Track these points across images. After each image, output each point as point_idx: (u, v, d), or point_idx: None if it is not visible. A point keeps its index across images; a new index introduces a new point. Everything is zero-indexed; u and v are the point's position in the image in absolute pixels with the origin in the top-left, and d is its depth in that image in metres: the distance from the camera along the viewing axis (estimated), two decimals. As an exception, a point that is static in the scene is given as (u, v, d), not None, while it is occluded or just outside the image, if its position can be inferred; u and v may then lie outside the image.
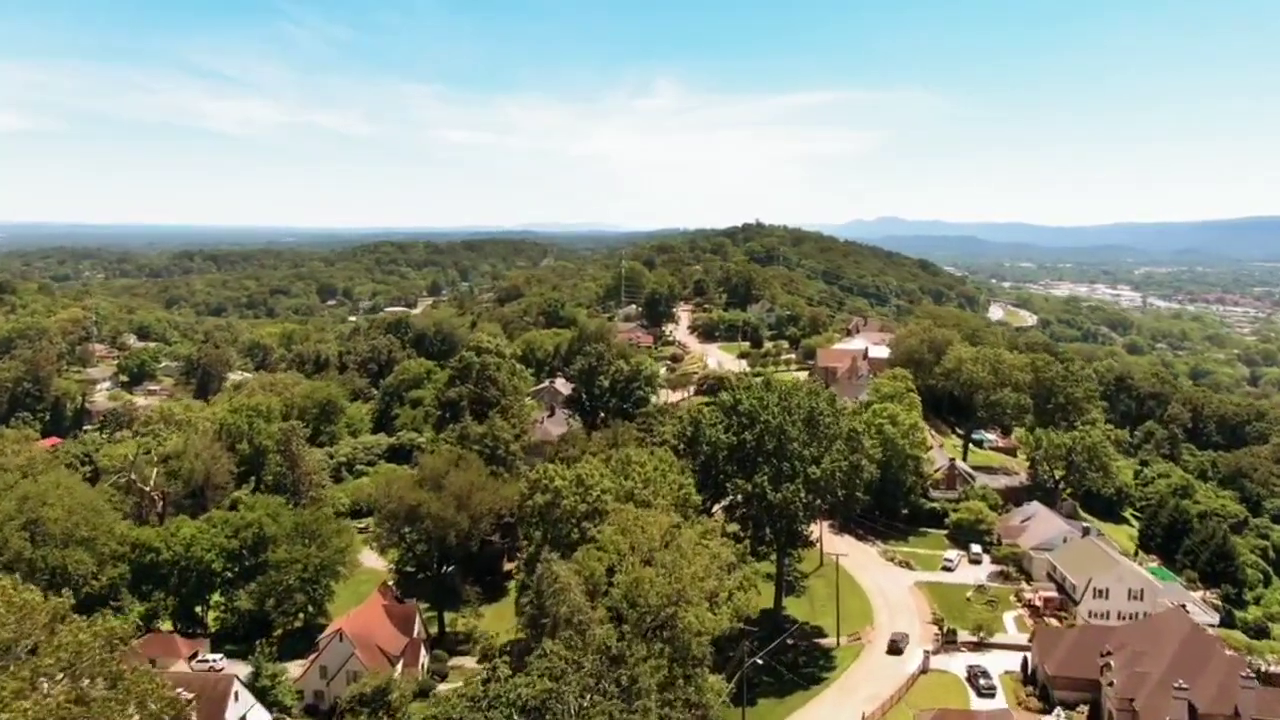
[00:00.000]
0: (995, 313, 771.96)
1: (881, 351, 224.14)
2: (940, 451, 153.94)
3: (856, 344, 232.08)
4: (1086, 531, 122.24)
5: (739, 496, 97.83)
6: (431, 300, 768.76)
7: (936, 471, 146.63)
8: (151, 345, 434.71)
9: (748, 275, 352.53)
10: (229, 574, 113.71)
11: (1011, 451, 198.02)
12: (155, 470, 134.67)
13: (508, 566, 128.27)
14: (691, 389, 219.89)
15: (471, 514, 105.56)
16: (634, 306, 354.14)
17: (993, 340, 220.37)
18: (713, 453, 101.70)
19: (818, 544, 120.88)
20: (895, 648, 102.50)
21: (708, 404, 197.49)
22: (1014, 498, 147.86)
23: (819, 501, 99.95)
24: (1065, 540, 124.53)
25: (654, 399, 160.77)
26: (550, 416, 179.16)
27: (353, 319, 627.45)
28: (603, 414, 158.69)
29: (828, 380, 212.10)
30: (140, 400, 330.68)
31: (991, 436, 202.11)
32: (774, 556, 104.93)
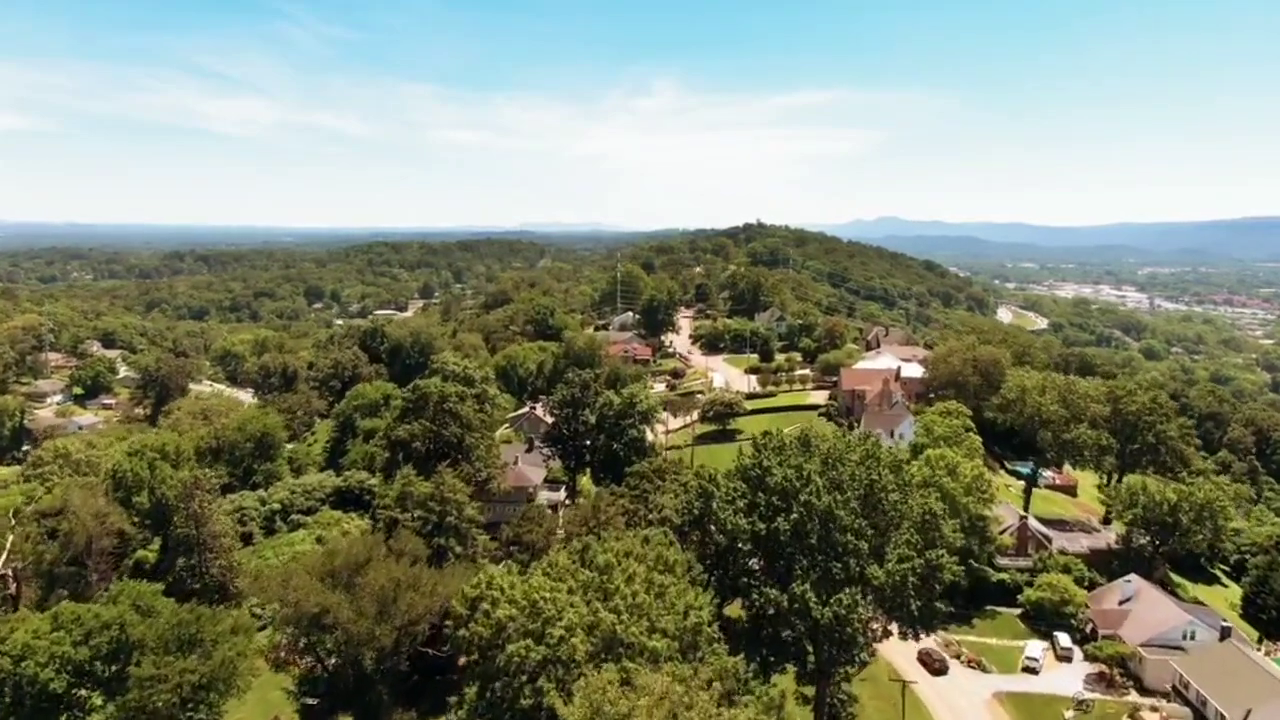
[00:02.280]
0: (1004, 315, 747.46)
1: (914, 370, 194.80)
2: (1009, 508, 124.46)
3: (883, 361, 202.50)
4: (1226, 633, 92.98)
5: (770, 610, 68.64)
6: (423, 303, 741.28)
7: (1004, 532, 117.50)
8: (112, 354, 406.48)
9: (755, 280, 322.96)
10: (80, 693, 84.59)
11: (1070, 490, 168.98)
12: (12, 536, 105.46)
13: (464, 660, 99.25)
14: (695, 414, 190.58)
15: (397, 624, 76.44)
16: (630, 314, 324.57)
17: (1043, 359, 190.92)
18: (729, 544, 72.53)
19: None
20: (936, 667, 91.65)
21: (714, 435, 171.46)
22: (1100, 564, 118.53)
23: (883, 614, 70.84)
24: (1188, 635, 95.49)
25: (651, 436, 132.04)
26: (528, 452, 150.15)
27: (339, 323, 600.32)
28: (588, 455, 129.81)
29: (853, 406, 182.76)
30: (88, 417, 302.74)
31: (1045, 472, 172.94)
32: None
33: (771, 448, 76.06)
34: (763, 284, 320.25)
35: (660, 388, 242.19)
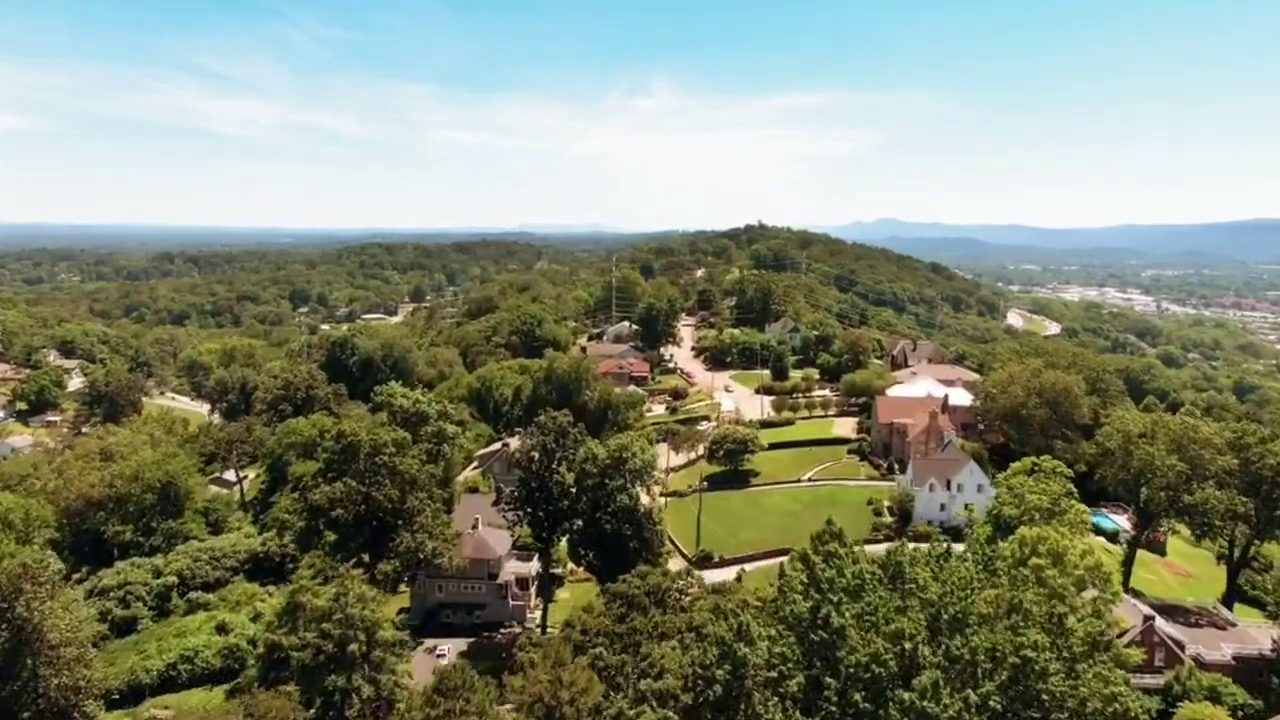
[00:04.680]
0: (1013, 319, 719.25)
1: (960, 396, 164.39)
2: (1132, 605, 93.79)
3: (922, 385, 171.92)
4: None
5: None
6: (413, 307, 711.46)
7: (1122, 637, 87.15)
8: (70, 364, 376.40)
9: (766, 286, 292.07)
10: None
11: (1159, 547, 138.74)
12: None
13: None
14: (702, 449, 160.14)
15: None
16: (626, 324, 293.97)
17: (1118, 386, 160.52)
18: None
19: None
20: None
21: (724, 477, 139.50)
22: (1249, 678, 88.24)
23: None
24: None
25: (646, 499, 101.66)
26: (495, 504, 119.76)
27: (325, 328, 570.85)
28: (564, 522, 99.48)
29: (892, 443, 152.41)
30: (25, 438, 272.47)
31: (1118, 520, 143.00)
32: None
33: (844, 589, 45.64)
34: (773, 291, 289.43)
35: (659, 410, 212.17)
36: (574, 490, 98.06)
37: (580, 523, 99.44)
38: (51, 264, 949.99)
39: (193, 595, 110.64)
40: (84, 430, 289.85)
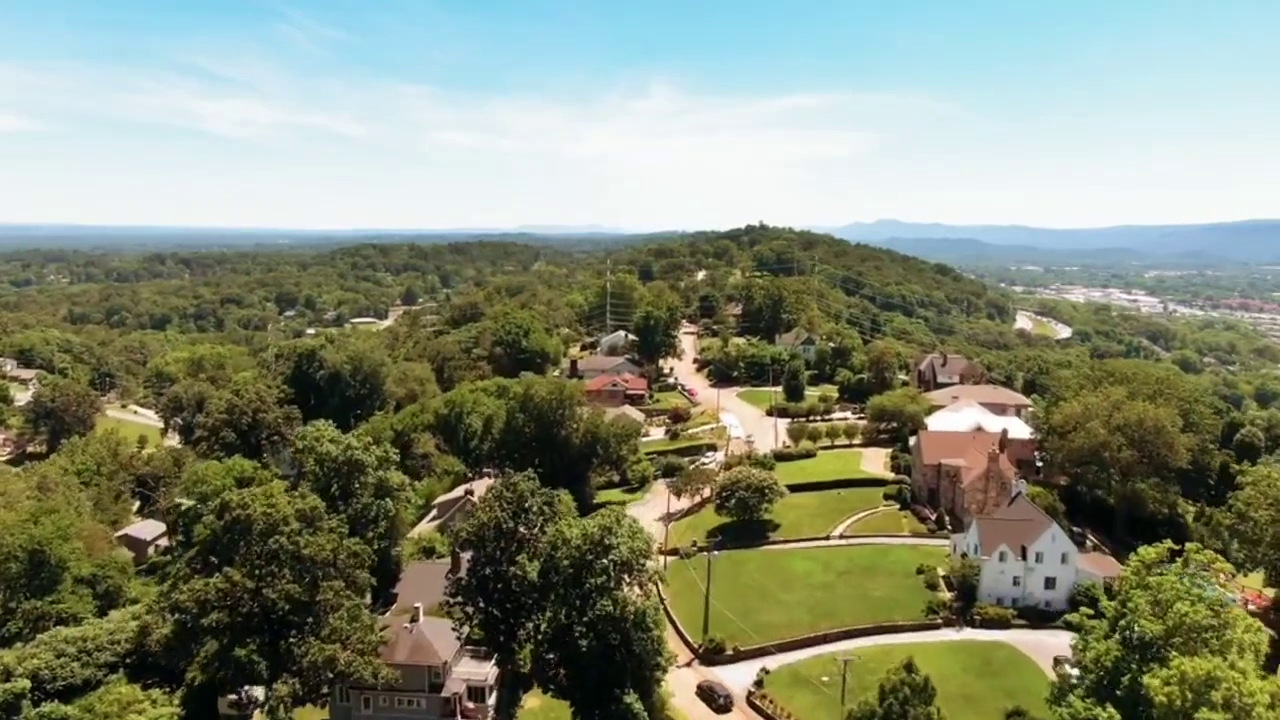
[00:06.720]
0: (1022, 322, 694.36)
1: (1017, 427, 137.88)
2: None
3: (968, 413, 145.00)
4: None
5: None
6: (403, 310, 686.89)
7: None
8: (28, 374, 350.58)
9: (776, 292, 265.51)
10: None
11: (1274, 620, 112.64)
12: None
13: None
14: (709, 492, 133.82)
15: None
16: (622, 332, 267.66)
17: (1211, 419, 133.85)
18: None
19: None
20: None
21: (736, 529, 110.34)
22: None
23: None
24: None
25: (638, 596, 74.97)
26: (449, 569, 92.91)
27: (310, 332, 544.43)
28: (527, 623, 72.92)
29: (939, 490, 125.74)
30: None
31: (1228, 590, 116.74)
32: None
33: None
34: (784, 297, 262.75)
35: (658, 434, 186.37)
36: (540, 585, 71.87)
37: (545, 625, 73.15)
38: (41, 265, 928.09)
39: (47, 708, 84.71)
40: (28, 449, 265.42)
